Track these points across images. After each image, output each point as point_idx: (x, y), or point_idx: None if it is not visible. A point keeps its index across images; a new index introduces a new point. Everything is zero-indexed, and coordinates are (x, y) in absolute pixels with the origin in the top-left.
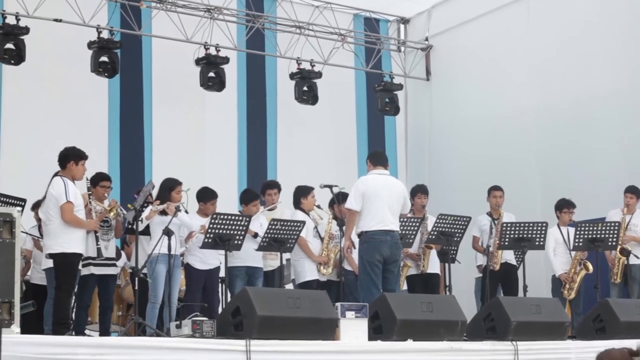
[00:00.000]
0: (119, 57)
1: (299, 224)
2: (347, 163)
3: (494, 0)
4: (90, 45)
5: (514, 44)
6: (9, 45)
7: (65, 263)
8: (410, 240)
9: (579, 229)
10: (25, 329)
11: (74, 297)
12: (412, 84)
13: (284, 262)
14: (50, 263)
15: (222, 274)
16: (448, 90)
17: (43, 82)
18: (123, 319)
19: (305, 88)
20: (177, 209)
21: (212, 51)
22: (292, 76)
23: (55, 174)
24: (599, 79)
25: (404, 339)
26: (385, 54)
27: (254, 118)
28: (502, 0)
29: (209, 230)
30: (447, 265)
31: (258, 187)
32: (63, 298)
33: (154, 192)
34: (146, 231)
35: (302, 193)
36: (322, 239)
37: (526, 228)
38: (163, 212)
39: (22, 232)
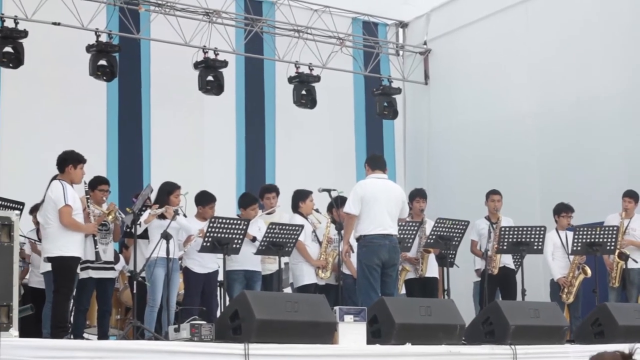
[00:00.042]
0: (118, 61)
1: (297, 228)
2: (345, 167)
3: (492, 4)
4: (88, 48)
5: (513, 47)
6: (8, 49)
7: (63, 266)
8: (409, 244)
9: (577, 233)
10: (23, 333)
11: (72, 301)
12: (411, 88)
13: (283, 265)
14: (48, 267)
15: (220, 277)
16: (446, 94)
17: (42, 85)
18: (121, 323)
19: (303, 92)
20: (176, 213)
21: (211, 55)
22: (290, 80)
23: (54, 178)
24: (599, 80)
25: (403, 342)
26: (383, 58)
27: (253, 122)
28: (501, 4)
29: (208, 234)
30: (445, 269)
31: (256, 191)
32: (61, 301)
33: (153, 196)
34: (145, 235)
35: (300, 197)
36: (320, 243)
37: (524, 232)
38: (162, 216)
39: (21, 235)
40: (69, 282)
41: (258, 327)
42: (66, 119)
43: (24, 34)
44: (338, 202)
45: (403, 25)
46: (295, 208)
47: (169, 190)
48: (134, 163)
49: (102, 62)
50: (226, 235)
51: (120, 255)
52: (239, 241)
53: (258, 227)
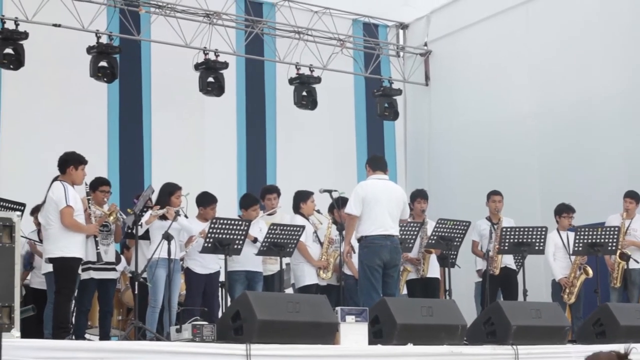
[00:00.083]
0: (118, 62)
1: (298, 229)
2: (346, 168)
3: (493, 5)
4: (89, 50)
5: (513, 48)
6: (8, 50)
7: (65, 267)
8: (410, 245)
9: (578, 233)
10: (25, 333)
11: (73, 302)
12: (411, 89)
13: (284, 266)
14: (50, 267)
15: (222, 278)
16: (447, 95)
17: (42, 87)
18: (123, 323)
19: (304, 93)
20: (177, 214)
21: (211, 56)
22: (291, 81)
23: (55, 179)
24: (599, 81)
25: (404, 343)
26: (384, 59)
27: (253, 123)
28: (502, 5)
29: (209, 235)
30: (447, 269)
31: (257, 192)
32: (63, 302)
33: (154, 197)
34: (146, 236)
35: (301, 198)
36: (321, 244)
37: (526, 233)
38: (163, 217)
39: (22, 236)
40: (70, 282)
41: (259, 327)
42: (67, 121)
43: (25, 35)
44: (339, 203)
45: (403, 26)
46: (297, 209)
47: (170, 191)
48: (135, 164)
49: (103, 63)
50: (227, 236)
51: (122, 256)
52: (240, 242)
53: (259, 228)
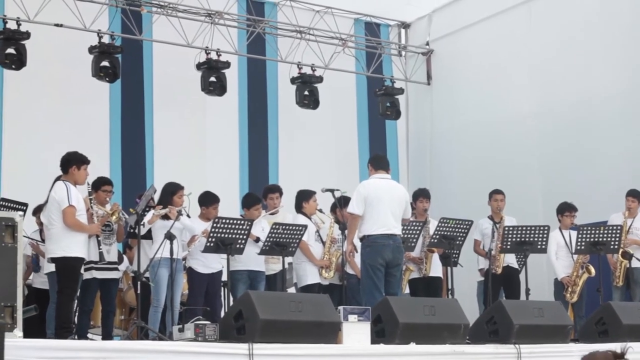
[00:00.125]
0: (120, 62)
1: (300, 228)
2: (348, 167)
3: (495, 4)
4: (91, 50)
5: (515, 48)
6: (10, 50)
7: (67, 267)
8: (413, 244)
9: (581, 232)
10: (27, 333)
11: (76, 301)
12: (413, 89)
13: (286, 266)
14: (52, 267)
15: (224, 277)
16: (449, 94)
17: (44, 87)
18: (125, 323)
19: (306, 92)
20: (179, 213)
21: (213, 56)
22: (293, 81)
23: (58, 179)
24: (599, 81)
25: (407, 342)
26: (386, 59)
27: (255, 122)
28: (503, 5)
29: (211, 234)
30: (449, 268)
31: (260, 191)
32: (65, 302)
33: (156, 197)
34: (148, 235)
35: (304, 197)
36: (323, 243)
37: (528, 231)
38: (165, 217)
39: (24, 236)
40: (72, 282)
41: (262, 327)
42: (69, 120)
43: (27, 35)
44: (341, 202)
45: (405, 25)
46: (299, 208)
47: (172, 191)
48: (137, 164)
49: (105, 63)
50: (230, 236)
51: (124, 256)
52: (243, 241)
53: (261, 227)
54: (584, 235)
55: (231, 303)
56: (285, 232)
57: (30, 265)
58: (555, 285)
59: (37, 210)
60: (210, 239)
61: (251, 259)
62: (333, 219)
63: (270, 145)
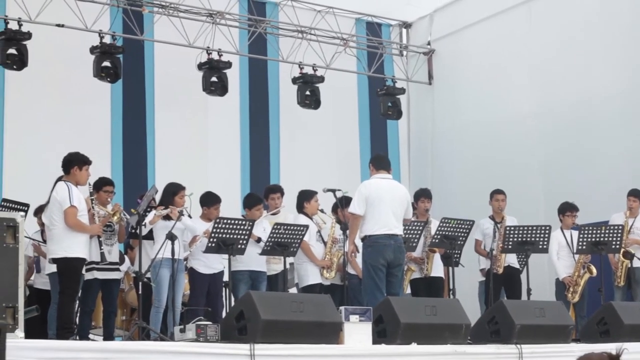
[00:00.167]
0: (122, 62)
1: (302, 228)
2: (349, 167)
3: (496, 4)
4: (92, 50)
5: (516, 47)
6: (12, 51)
7: (68, 268)
8: (414, 244)
9: (582, 232)
10: (29, 334)
11: (77, 302)
12: (415, 88)
13: (288, 266)
14: (53, 268)
15: (226, 278)
16: (450, 94)
17: (45, 87)
18: (127, 324)
19: (307, 92)
20: (181, 214)
21: (215, 56)
22: (294, 81)
23: (59, 179)
24: (599, 81)
25: (408, 342)
26: (387, 59)
27: (257, 122)
28: (504, 4)
29: (213, 235)
30: (450, 268)
31: (261, 192)
32: (67, 303)
33: (157, 197)
34: (150, 236)
35: (305, 197)
36: (325, 243)
37: (529, 231)
38: (167, 217)
39: (26, 237)
40: (74, 283)
41: (263, 327)
42: (70, 121)
43: (28, 35)
44: (343, 203)
45: (407, 25)
46: (300, 208)
47: (173, 191)
48: (139, 164)
49: (106, 63)
50: (231, 236)
51: (126, 256)
52: (244, 242)
53: (263, 227)
54: (585, 235)
55: (232, 303)
56: (286, 232)
57: (33, 266)
58: (556, 285)
59: (39, 211)
60: (211, 240)
61: (252, 260)
62: (334, 219)
63: (271, 146)
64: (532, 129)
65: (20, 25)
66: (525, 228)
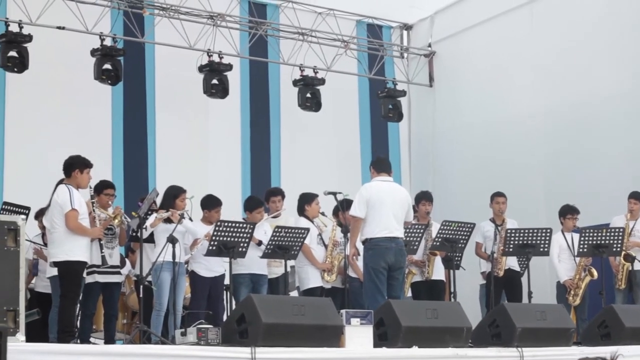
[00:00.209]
0: (122, 65)
1: (303, 231)
2: (350, 170)
3: (497, 5)
4: (93, 52)
5: (517, 49)
6: (12, 53)
7: (69, 271)
8: (415, 247)
9: (583, 234)
10: (30, 337)
11: (78, 305)
12: (415, 90)
13: (289, 269)
14: (54, 271)
15: (227, 281)
16: (451, 96)
17: (46, 89)
18: (128, 327)
19: (308, 95)
20: (182, 217)
21: (215, 58)
22: (295, 83)
23: (60, 182)
24: (601, 82)
25: (409, 345)
26: (388, 61)
27: (258, 125)
28: (505, 6)
29: (213, 238)
30: (451, 271)
31: (262, 194)
32: (68, 306)
33: (158, 200)
34: (150, 239)
35: (306, 200)
36: (326, 246)
37: (530, 234)
38: (168, 220)
39: (27, 240)
40: (75, 286)
41: (265, 330)
42: (71, 123)
43: (29, 38)
44: (344, 205)
45: (407, 27)
46: (301, 211)
47: (174, 194)
48: (139, 167)
49: (107, 65)
50: (232, 239)
51: (127, 260)
52: (245, 245)
53: (264, 230)
54: (586, 238)
55: (233, 307)
56: (287, 235)
57: (31, 268)
58: (557, 288)
59: (40, 214)
60: (212, 243)
61: (254, 263)
62: (335, 222)
63: (272, 148)
64: (533, 131)
65: (21, 28)
66: (526, 231)
